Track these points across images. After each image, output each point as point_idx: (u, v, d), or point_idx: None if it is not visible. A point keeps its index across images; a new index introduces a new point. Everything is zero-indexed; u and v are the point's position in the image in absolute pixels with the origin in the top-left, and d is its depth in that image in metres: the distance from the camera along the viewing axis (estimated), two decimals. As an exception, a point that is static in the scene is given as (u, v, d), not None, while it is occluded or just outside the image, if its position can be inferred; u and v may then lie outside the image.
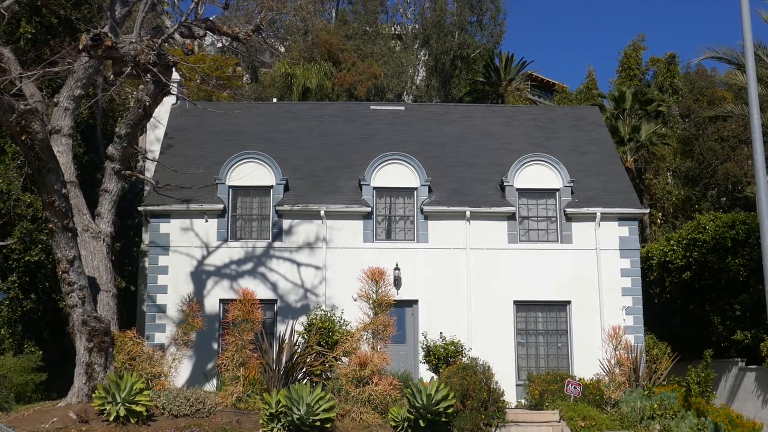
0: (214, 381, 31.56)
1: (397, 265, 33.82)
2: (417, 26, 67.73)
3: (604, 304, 34.15)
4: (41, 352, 32.27)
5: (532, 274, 34.47)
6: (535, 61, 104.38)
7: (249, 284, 32.78)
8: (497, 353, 32.74)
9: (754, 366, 33.89)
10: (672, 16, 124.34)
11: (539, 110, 48.40)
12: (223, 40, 51.25)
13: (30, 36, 35.86)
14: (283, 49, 63.20)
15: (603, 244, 34.74)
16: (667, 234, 43.63)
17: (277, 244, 34.50)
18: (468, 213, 34.61)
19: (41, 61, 31.10)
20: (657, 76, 61.49)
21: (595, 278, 34.43)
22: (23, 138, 23.52)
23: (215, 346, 32.91)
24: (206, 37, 35.01)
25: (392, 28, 69.10)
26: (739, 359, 35.09)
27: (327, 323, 30.12)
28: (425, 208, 34.64)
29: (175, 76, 36.54)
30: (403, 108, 43.12)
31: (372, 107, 42.67)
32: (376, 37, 64.79)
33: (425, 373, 31.45)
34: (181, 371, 30.01)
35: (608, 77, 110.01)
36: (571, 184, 35.20)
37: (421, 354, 32.24)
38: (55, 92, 32.48)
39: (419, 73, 66.58)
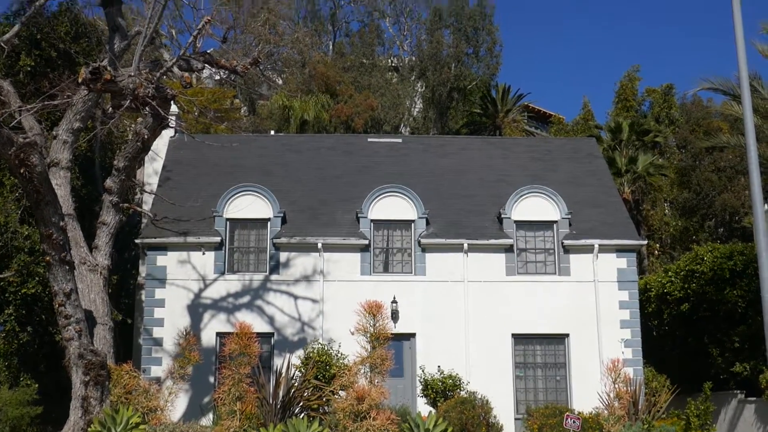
0: (211, 415, 31.39)
1: (394, 298, 33.76)
2: (413, 58, 68.11)
3: (603, 336, 34.05)
4: (37, 385, 32.08)
5: (530, 306, 34.39)
6: (531, 92, 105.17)
7: (246, 317, 32.70)
8: (496, 387, 32.62)
9: (754, 398, 33.77)
10: (667, 46, 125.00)
11: (536, 142, 48.57)
12: (221, 73, 51.44)
13: (29, 69, 35.99)
14: (280, 82, 63.46)
15: (601, 276, 34.70)
16: (665, 265, 43.60)
17: (274, 277, 34.45)
18: (466, 245, 34.58)
19: (40, 94, 31.16)
20: (653, 107, 61.71)
21: (594, 310, 34.36)
22: (22, 171, 23.53)
23: (212, 379, 32.77)
24: (204, 70, 35.16)
25: (389, 60, 69.44)
26: (738, 391, 34.96)
27: (324, 357, 30.03)
28: (423, 241, 34.62)
29: (174, 109, 36.60)
30: (400, 140, 43.24)
31: (369, 139, 42.81)
32: (373, 69, 65.06)
33: (423, 407, 31.27)
34: (177, 405, 29.83)
35: (605, 108, 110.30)
36: (569, 216, 35.20)
37: (419, 388, 32.13)
38: (54, 125, 32.55)
39: (416, 104, 66.83)
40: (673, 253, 52.81)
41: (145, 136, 29.34)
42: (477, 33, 67.11)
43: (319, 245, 34.37)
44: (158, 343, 33.49)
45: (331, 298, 34.13)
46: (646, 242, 37.88)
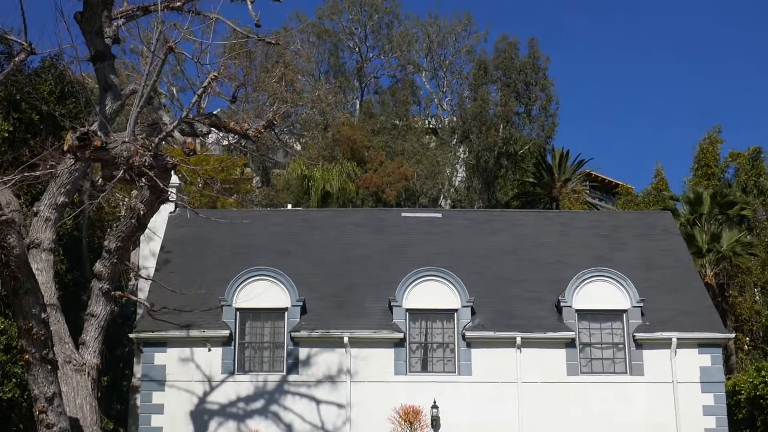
0: None
1: (435, 402, 33.47)
2: (455, 119, 68.50)
3: (684, 448, 33.71)
4: (13, 508, 32.06)
5: (596, 412, 34.06)
6: (594, 158, 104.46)
7: (259, 425, 32.69)
8: None
9: None
10: (753, 104, 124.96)
11: (601, 216, 48.47)
12: (230, 138, 51.83)
13: (7, 135, 36.42)
14: (299, 147, 63.94)
15: (681, 376, 34.37)
16: (757, 363, 43.11)
17: (292, 377, 34.34)
18: (519, 339, 34.42)
19: (19, 163, 31.50)
20: (739, 174, 61.46)
21: (672, 417, 33.99)
22: (-3, 254, 23.66)
23: (219, 500, 32.62)
24: (210, 135, 35.46)
25: (426, 122, 69.87)
26: None
27: (352, 473, 29.83)
28: (468, 334, 34.48)
29: (174, 180, 36.89)
30: (439, 215, 43.31)
31: (403, 214, 42.85)
32: (407, 132, 65.40)
33: None
34: None
35: (681, 176, 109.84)
36: (641, 304, 34.98)
37: None
38: (35, 200, 32.76)
39: (458, 173, 67.05)
40: (766, 349, 52.24)
41: (141, 212, 29.46)
42: (529, 89, 67.49)
43: (346, 339, 34.30)
44: (156, 457, 33.40)
45: (359, 403, 33.96)
46: (733, 335, 37.60)
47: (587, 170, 69.02)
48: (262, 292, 34.79)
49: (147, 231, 36.38)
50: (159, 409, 33.91)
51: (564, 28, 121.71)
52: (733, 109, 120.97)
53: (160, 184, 27.78)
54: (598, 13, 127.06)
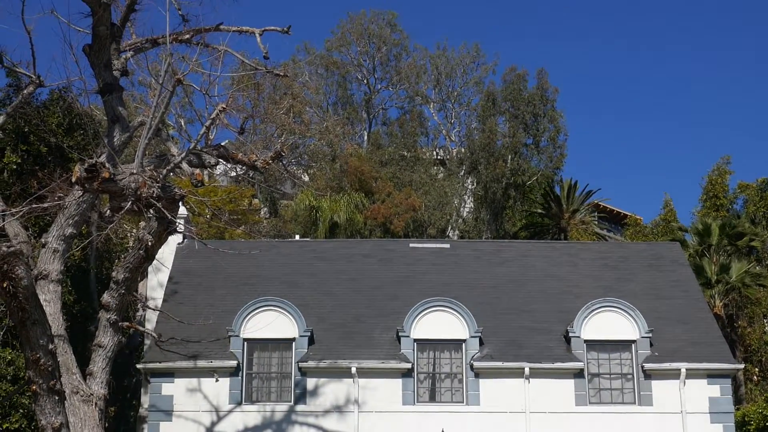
0: None
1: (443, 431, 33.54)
2: (463, 150, 68.59)
3: (694, 479, 33.58)
4: None
5: (605, 443, 33.99)
6: (602, 189, 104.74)
7: (267, 456, 32.58)
8: None
9: None
10: (763, 133, 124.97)
11: (609, 247, 48.41)
12: (238, 169, 52.12)
13: (15, 167, 36.54)
14: (306, 178, 64.03)
15: (690, 407, 34.26)
16: (766, 393, 43.02)
17: (300, 407, 34.31)
18: (527, 370, 34.36)
19: (27, 195, 31.61)
20: (748, 206, 61.48)
21: (682, 448, 33.91)
22: (5, 285, 23.71)
23: None
24: (218, 166, 35.58)
25: (434, 153, 69.97)
26: None
27: (360, 504, 29.76)
28: (476, 364, 34.45)
29: (182, 211, 36.96)
30: (448, 245, 43.30)
31: (411, 245, 42.84)
32: (416, 163, 65.52)
33: None
34: None
35: (690, 207, 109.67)
36: (650, 335, 34.93)
37: None
38: (43, 231, 32.85)
39: (466, 204, 67.11)
40: (775, 379, 52.11)
41: (149, 243, 29.51)
42: (537, 120, 67.62)
43: (353, 370, 34.28)
44: (163, 488, 33.37)
45: (367, 433, 33.94)
46: (742, 366, 37.51)
47: (595, 201, 69.02)
48: (270, 323, 34.79)
49: (155, 262, 36.46)
50: (167, 440, 33.93)
51: (573, 59, 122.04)
52: (743, 140, 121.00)
53: (168, 215, 27.85)
54: (606, 45, 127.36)
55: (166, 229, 29.13)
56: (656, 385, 34.60)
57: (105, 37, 29.55)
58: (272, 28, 29.50)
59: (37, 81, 29.80)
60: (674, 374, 34.46)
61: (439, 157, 70.13)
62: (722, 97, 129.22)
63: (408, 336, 34.82)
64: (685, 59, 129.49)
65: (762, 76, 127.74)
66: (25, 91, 30.69)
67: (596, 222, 70.74)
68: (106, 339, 30.00)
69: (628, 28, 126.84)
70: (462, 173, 67.47)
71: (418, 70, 71.19)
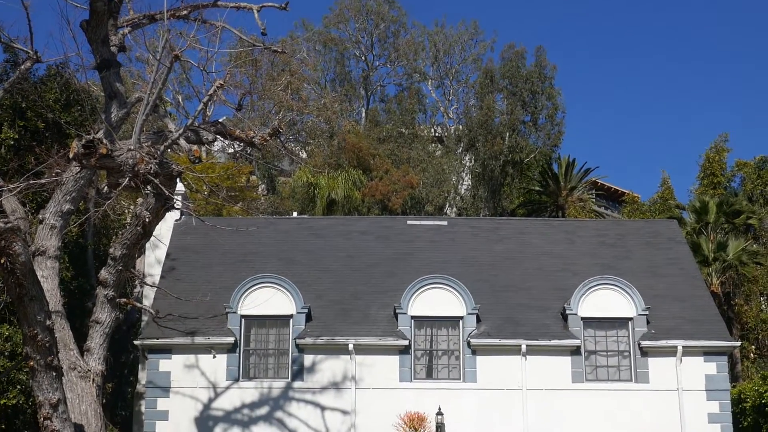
0: None
1: (440, 409, 33.50)
2: (461, 127, 68.55)
3: (689, 455, 33.70)
4: None
5: (601, 419, 34.07)
6: (600, 166, 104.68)
7: (264, 432, 32.69)
8: None
9: None
10: (761, 110, 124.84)
11: (607, 224, 48.46)
12: (236, 146, 51.96)
13: (12, 143, 36.50)
14: (304, 155, 63.98)
15: (686, 384, 34.36)
16: (762, 371, 43.08)
17: (297, 383, 34.40)
18: (524, 347, 34.45)
19: (25, 171, 31.56)
20: (745, 184, 61.50)
21: (678, 425, 33.99)
22: (2, 261, 23.73)
23: (224, 507, 32.67)
24: (216, 143, 35.51)
25: (432, 130, 69.94)
26: None
27: (357, 479, 29.87)
28: (473, 341, 34.52)
29: (180, 187, 36.91)
30: (445, 223, 43.34)
31: (409, 222, 42.89)
32: (414, 141, 65.50)
33: None
34: None
35: (687, 185, 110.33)
36: (647, 313, 35.00)
37: None
38: (40, 207, 32.83)
39: (464, 181, 67.11)
40: (772, 357, 52.23)
41: (147, 220, 29.52)
42: (535, 98, 67.61)
43: (351, 346, 34.36)
44: (160, 463, 33.47)
45: (364, 410, 33.99)
46: (739, 343, 37.51)
47: (593, 179, 69.04)
48: (268, 300, 34.84)
49: (152, 238, 36.50)
50: (164, 416, 33.96)
51: (571, 36, 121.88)
52: (741, 118, 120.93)
53: (166, 191, 27.84)
54: (605, 23, 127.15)
55: (163, 205, 29.14)
56: (653, 362, 34.68)
57: (102, 12, 29.49)
58: (270, 4, 29.41)
59: (35, 56, 29.75)
60: (671, 352, 34.55)
61: (436, 135, 70.10)
62: (721, 74, 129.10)
63: (405, 313, 34.88)
64: (684, 36, 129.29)
65: (762, 53, 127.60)
66: (22, 67, 30.65)
67: (594, 200, 70.72)
68: (103, 315, 30.05)
69: (627, 3, 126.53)
70: (460, 150, 67.45)
71: (416, 47, 71.04)
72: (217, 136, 30.78)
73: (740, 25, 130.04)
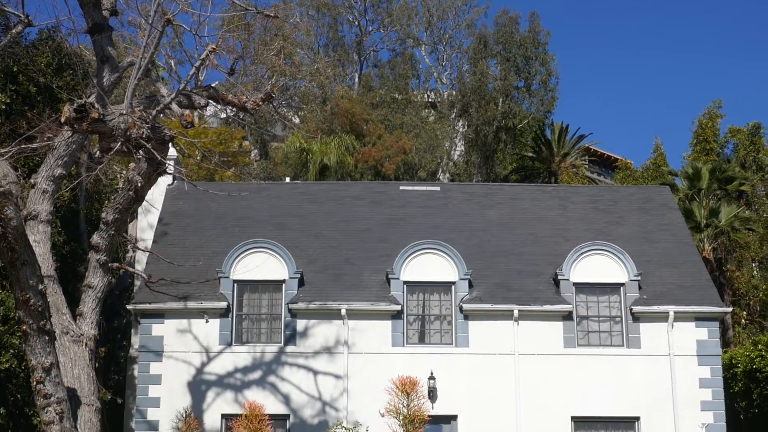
0: None
1: (432, 373, 33.72)
2: (454, 93, 68.46)
3: (680, 420, 33.83)
4: (11, 477, 32.25)
5: (593, 384, 34.24)
6: (593, 132, 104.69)
7: (257, 396, 32.71)
8: (552, 479, 32.46)
9: None
10: (754, 79, 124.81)
11: (599, 190, 48.46)
12: (228, 111, 51.86)
13: (4, 107, 36.39)
14: (297, 120, 63.91)
15: (677, 349, 34.51)
16: (754, 337, 43.24)
17: (290, 348, 34.49)
18: (516, 312, 34.55)
19: (16, 135, 31.49)
20: (738, 150, 61.51)
21: (669, 390, 34.15)
22: (-6, 225, 23.72)
23: (216, 470, 32.79)
24: (208, 107, 35.43)
25: (425, 95, 69.83)
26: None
27: (349, 443, 29.94)
28: (465, 307, 34.61)
29: (172, 152, 36.93)
30: (438, 188, 43.36)
31: (402, 187, 42.89)
32: (407, 106, 65.42)
33: (466, 504, 31.14)
34: (175, 501, 29.89)
35: (680, 151, 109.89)
36: (639, 278, 35.09)
37: (462, 481, 31.98)
38: (32, 172, 32.79)
39: (457, 147, 67.10)
40: (763, 323, 52.37)
41: (139, 185, 29.47)
42: (529, 63, 67.51)
43: (343, 311, 34.44)
44: (153, 426, 33.56)
45: (356, 374, 34.13)
46: (730, 309, 37.69)
47: (586, 145, 69.01)
48: (260, 265, 34.88)
49: (145, 203, 36.56)
50: (157, 380, 34.09)
51: (566, 2, 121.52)
52: (734, 84, 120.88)
53: (158, 156, 27.80)
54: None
55: (155, 170, 29.09)
56: (644, 327, 34.80)
57: (94, -24, 29.38)
58: (263, -32, 29.31)
59: (26, 20, 29.60)
60: (662, 317, 34.66)
61: (430, 100, 70.02)
62: (715, 40, 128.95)
63: (398, 278, 34.94)
64: (681, 4, 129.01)
65: (757, 19, 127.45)
66: (13, 31, 30.50)
67: (587, 166, 70.84)
68: (95, 280, 30.06)
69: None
70: (453, 116, 67.39)
71: (410, 12, 70.85)
72: (210, 101, 30.70)
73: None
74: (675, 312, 34.58)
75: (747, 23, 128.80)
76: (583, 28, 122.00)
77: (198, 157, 48.23)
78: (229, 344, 34.44)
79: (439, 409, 33.42)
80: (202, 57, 26.84)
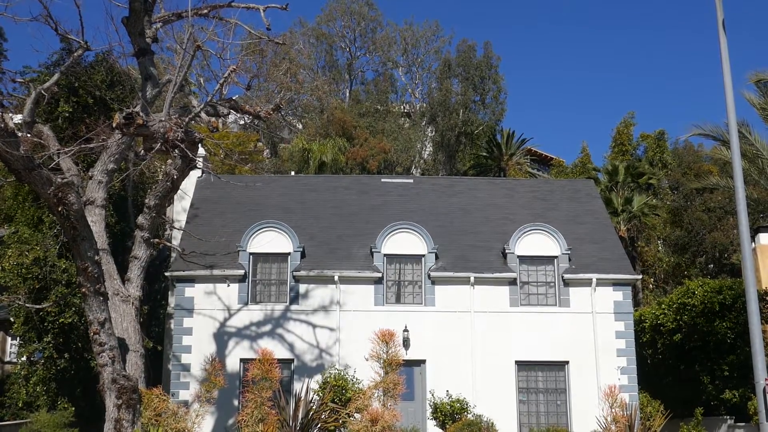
0: (235, 436, 31.32)
1: (406, 327, 33.71)
2: (424, 105, 68.33)
3: (600, 364, 33.90)
4: (73, 409, 32.10)
5: (532, 335, 34.29)
6: (534, 137, 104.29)
7: (268, 344, 32.66)
8: (500, 410, 32.48)
9: (743, 424, 33.51)
10: (660, 93, 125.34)
11: (538, 183, 48.51)
12: (246, 118, 51.60)
13: (67, 115, 36.21)
14: (300, 126, 63.70)
15: (599, 308, 34.58)
16: (658, 298, 43.42)
17: (294, 307, 34.44)
18: (472, 278, 34.54)
19: (77, 137, 31.35)
20: (647, 151, 61.72)
21: (592, 340, 34.23)
22: (60, 209, 23.63)
23: (236, 402, 32.70)
24: (230, 116, 35.31)
25: (401, 107, 69.68)
26: (728, 417, 34.71)
27: (340, 382, 29.96)
28: (432, 274, 34.59)
29: (201, 151, 36.77)
30: (411, 181, 43.28)
31: (383, 180, 42.83)
32: (387, 115, 65.29)
33: (433, 430, 31.16)
34: (204, 427, 29.81)
35: (602, 152, 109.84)
36: (569, 252, 35.14)
37: (429, 411, 32.00)
38: (90, 166, 32.67)
39: (426, 148, 66.96)
40: (666, 287, 52.58)
41: (175, 177, 29.44)
42: (483, 82, 67.35)
43: (336, 278, 34.39)
44: (186, 368, 33.47)
45: (346, 327, 34.09)
46: (640, 277, 37.73)
47: (528, 147, 68.81)
48: (270, 240, 34.81)
49: (179, 191, 36.35)
50: (188, 332, 33.99)
51: (515, 32, 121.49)
52: (645, 97, 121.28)
53: (190, 154, 27.71)
54: (545, 17, 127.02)
55: (188, 165, 29.04)
56: (573, 291, 34.86)
57: (139, 11, 29.24)
58: (273, 5, 29.21)
59: (85, 46, 29.44)
60: (587, 283, 34.73)
61: (405, 111, 69.80)
62: (631, 62, 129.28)
63: (379, 252, 34.90)
64: (602, 30, 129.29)
65: (661, 44, 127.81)
66: (75, 54, 30.33)
67: (528, 164, 70.67)
68: (140, 252, 30.02)
69: (564, 7, 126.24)
70: (423, 123, 67.20)
71: (390, 41, 70.56)
72: (231, 111, 30.62)
73: (648, 26, 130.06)
74: (597, 278, 34.64)
75: (655, 48, 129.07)
76: (528, 52, 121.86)
77: (222, 155, 48.10)
78: (246, 303, 34.36)
79: (412, 354, 33.41)
80: (225, 75, 26.68)
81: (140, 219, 30.13)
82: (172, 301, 37.21)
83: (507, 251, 35.09)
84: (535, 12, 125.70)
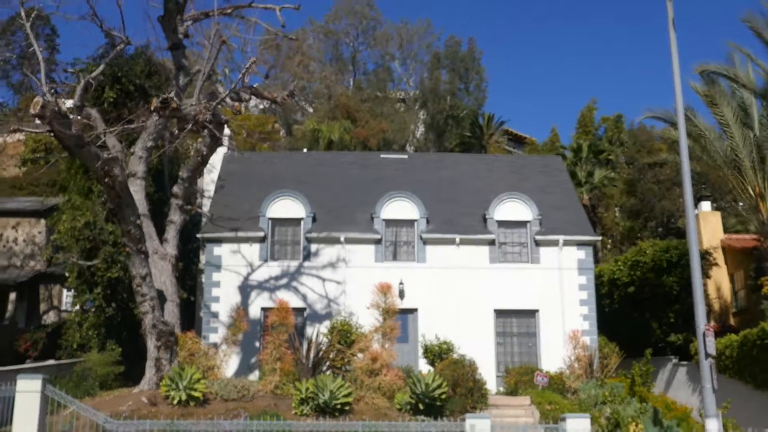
0: (257, 372, 31.49)
1: (401, 280, 33.79)
2: (417, 92, 68.03)
3: (566, 312, 34.01)
4: (120, 349, 32.20)
5: (508, 288, 34.38)
6: (510, 119, 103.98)
7: (284, 295, 32.82)
8: (481, 351, 32.60)
9: (685, 362, 33.75)
10: (619, 79, 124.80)
11: (514, 159, 48.45)
12: (265, 103, 51.39)
13: (112, 100, 36.07)
14: (311, 110, 63.51)
15: (565, 265, 34.64)
16: (615, 257, 43.50)
17: (306, 263, 34.50)
18: (458, 239, 34.59)
19: (121, 119, 31.28)
20: (607, 132, 61.55)
21: (559, 291, 34.31)
22: (106, 180, 23.67)
23: (257, 344, 32.83)
24: (251, 101, 35.21)
25: (398, 94, 69.39)
26: (673, 357, 34.96)
27: (346, 327, 30.08)
28: (424, 236, 34.64)
29: (227, 131, 36.67)
30: (406, 156, 43.23)
31: (382, 156, 42.75)
32: (385, 101, 65.01)
33: (423, 367, 31.31)
34: (230, 364, 30.03)
35: (568, 132, 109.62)
36: (540, 217, 35.16)
37: (421, 351, 32.14)
38: (132, 144, 32.66)
39: (419, 129, 66.78)
40: (621, 248, 52.65)
41: (204, 153, 29.45)
42: (468, 72, 66.99)
43: (342, 239, 34.42)
44: (215, 315, 33.59)
45: (351, 281, 34.16)
46: (600, 238, 37.82)
47: (506, 128, 68.70)
48: (286, 207, 34.82)
49: (208, 165, 36.44)
50: (217, 285, 34.07)
51: (497, 29, 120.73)
52: (606, 83, 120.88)
53: (217, 134, 27.74)
54: (523, 16, 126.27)
55: (215, 143, 29.07)
56: (543, 250, 34.91)
57: (173, 10, 29.12)
58: (287, 6, 29.10)
59: (126, 40, 29.36)
60: (555, 243, 34.77)
61: (401, 97, 69.54)
62: (595, 51, 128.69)
63: (378, 217, 34.92)
64: (570, 22, 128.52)
65: (622, 33, 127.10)
66: (118, 48, 30.28)
67: (506, 142, 70.50)
68: (176, 217, 30.09)
69: (543, 6, 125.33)
70: (416, 108, 66.95)
71: (388, 37, 70.07)
72: (252, 96, 30.59)
73: (617, 20, 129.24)
74: (563, 240, 34.68)
75: (616, 37, 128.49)
76: (508, 45, 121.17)
77: (244, 135, 47.97)
78: (266, 260, 34.40)
79: (406, 304, 33.53)
80: (246, 66, 26.64)
81: (175, 189, 30.16)
82: (203, 258, 37.27)
83: (487, 216, 35.12)
84: (516, 11, 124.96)
